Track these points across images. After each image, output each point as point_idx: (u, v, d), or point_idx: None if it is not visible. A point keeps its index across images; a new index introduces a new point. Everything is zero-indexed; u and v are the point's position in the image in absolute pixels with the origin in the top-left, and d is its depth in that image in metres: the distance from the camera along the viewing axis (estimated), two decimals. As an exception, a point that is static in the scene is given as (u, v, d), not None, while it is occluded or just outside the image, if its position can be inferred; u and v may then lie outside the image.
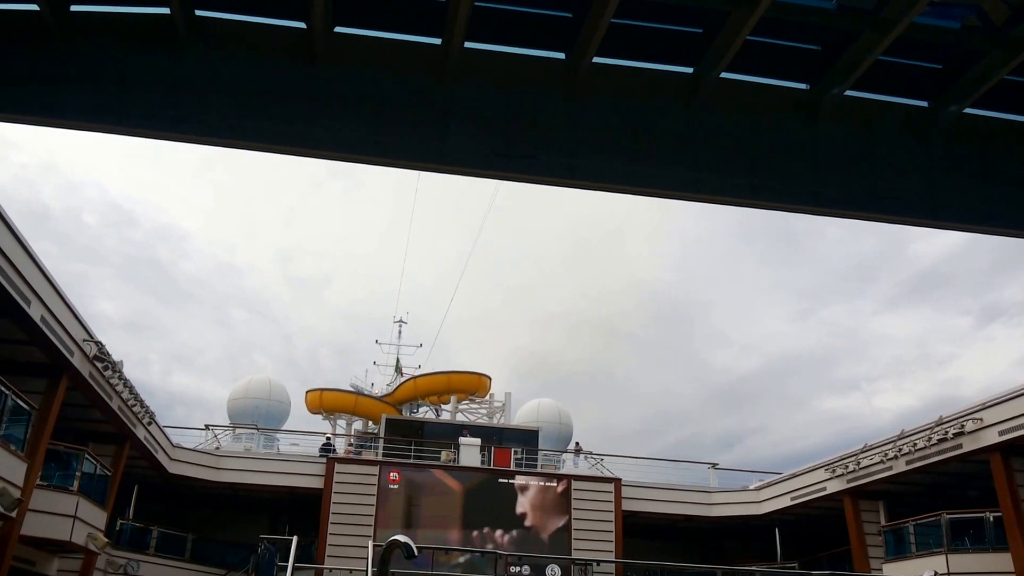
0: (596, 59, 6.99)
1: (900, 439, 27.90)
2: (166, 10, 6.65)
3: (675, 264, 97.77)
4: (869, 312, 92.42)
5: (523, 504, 33.71)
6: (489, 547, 32.28)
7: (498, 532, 33.16)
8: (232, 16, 6.88)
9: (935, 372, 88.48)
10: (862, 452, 29.89)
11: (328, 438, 36.17)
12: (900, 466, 27.99)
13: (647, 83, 7.25)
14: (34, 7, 6.53)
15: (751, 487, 36.81)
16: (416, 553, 9.12)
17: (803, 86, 7.39)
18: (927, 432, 26.56)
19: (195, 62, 6.84)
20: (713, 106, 7.26)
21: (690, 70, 7.22)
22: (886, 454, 28.43)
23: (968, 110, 7.37)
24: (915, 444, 27.02)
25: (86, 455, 24.55)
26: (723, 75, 7.09)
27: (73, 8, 6.72)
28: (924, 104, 7.50)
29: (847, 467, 30.49)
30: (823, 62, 7.15)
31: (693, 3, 6.77)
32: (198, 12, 6.79)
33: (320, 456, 34.12)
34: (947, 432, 25.59)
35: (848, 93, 7.21)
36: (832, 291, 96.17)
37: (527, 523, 33.50)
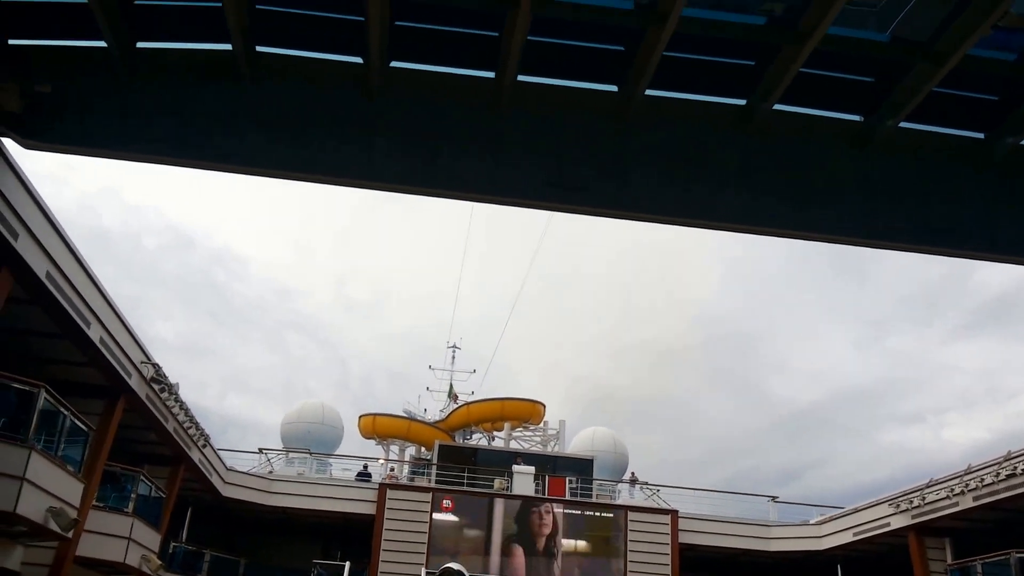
0: (648, 91, 7.03)
1: (967, 474, 27.05)
2: (228, 46, 6.87)
3: (734, 288, 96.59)
4: (936, 341, 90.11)
5: (578, 534, 33.43)
6: (541, 577, 32.01)
7: (551, 562, 32.89)
8: (291, 52, 7.08)
9: (1005, 405, 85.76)
10: (927, 487, 29.04)
11: (365, 465, 36.28)
12: (967, 502, 27.15)
13: (699, 115, 7.27)
14: (102, 43, 6.80)
15: (812, 522, 35.93)
16: (469, 581, 9.06)
17: (856, 117, 7.34)
18: (995, 467, 25.74)
19: (255, 96, 7.06)
20: (765, 137, 7.24)
21: (742, 102, 7.22)
22: (952, 489, 27.57)
23: (1027, 142, 7.24)
24: (982, 479, 26.19)
25: (141, 477, 24.94)
26: (776, 106, 7.07)
27: (139, 44, 6.98)
28: (979, 136, 7.38)
29: (912, 502, 29.65)
30: (876, 94, 7.10)
31: (745, 37, 6.80)
32: (259, 48, 7.00)
33: (357, 481, 34.28)
34: (1016, 467, 24.76)
35: (902, 125, 7.14)
36: (897, 319, 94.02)
37: (582, 553, 33.20)
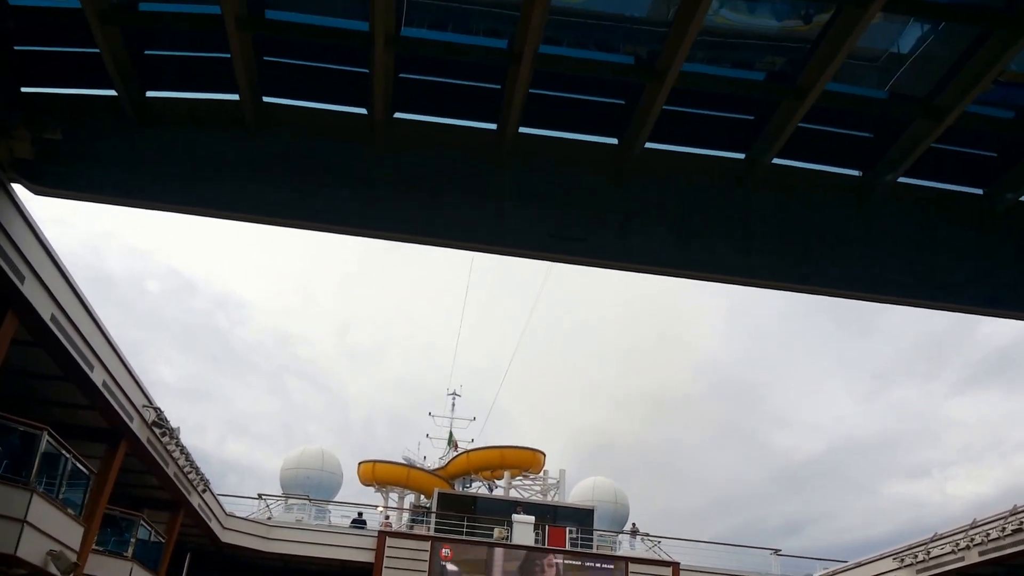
0: (648, 144, 7.12)
1: (972, 528, 26.77)
2: (235, 96, 6.98)
3: (736, 339, 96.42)
4: (939, 395, 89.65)
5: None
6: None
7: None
8: (297, 103, 7.20)
9: (1010, 458, 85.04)
10: (932, 541, 28.73)
11: (360, 513, 35.98)
12: (973, 557, 26.83)
13: (698, 168, 7.34)
14: (112, 92, 6.91)
15: (815, 575, 35.52)
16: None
17: (855, 172, 7.40)
18: (1000, 521, 25.48)
19: (261, 145, 7.16)
20: (765, 191, 7.31)
21: (742, 156, 7.29)
22: (957, 544, 27.27)
23: (1024, 198, 7.30)
24: (988, 534, 25.92)
25: (141, 521, 24.78)
26: (775, 160, 7.14)
27: (149, 94, 7.10)
28: (979, 191, 7.44)
29: (916, 556, 29.29)
30: (875, 149, 7.18)
31: (744, 92, 6.90)
32: (265, 98, 7.11)
33: (355, 528, 34.00)
34: (1022, 522, 24.56)
35: (901, 179, 7.20)
36: (900, 371, 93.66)
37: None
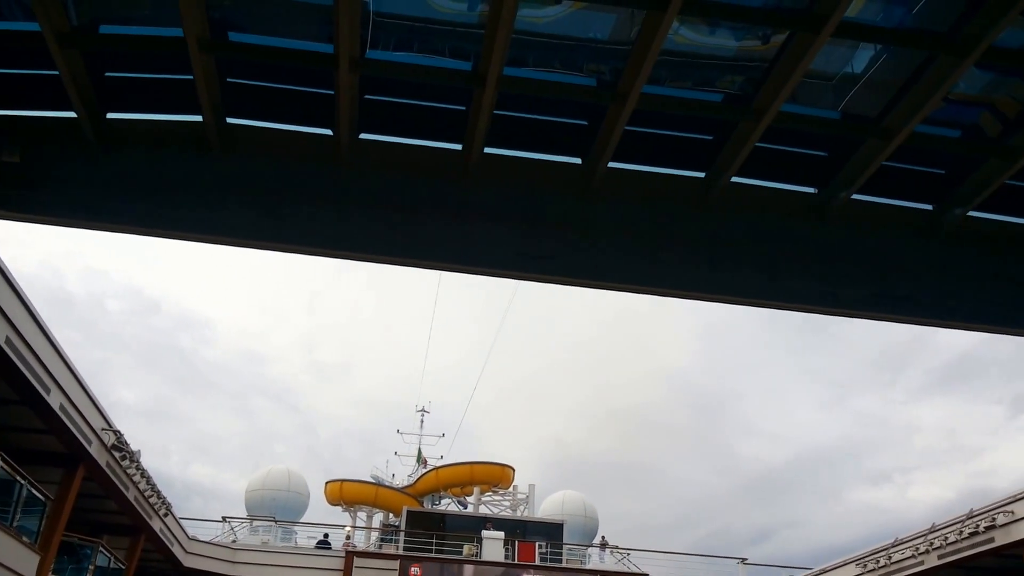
0: (611, 164, 7.23)
1: (931, 533, 27.42)
2: (199, 118, 6.98)
3: (702, 352, 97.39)
4: (900, 401, 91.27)
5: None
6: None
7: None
8: (261, 124, 7.22)
9: (969, 463, 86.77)
10: (893, 546, 29.33)
11: (325, 534, 35.74)
12: (932, 560, 27.43)
13: (661, 187, 7.47)
14: (72, 115, 6.89)
15: (781, 583, 35.88)
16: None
17: (811, 190, 7.58)
18: (958, 525, 26.11)
19: (226, 167, 7.16)
20: (726, 209, 7.45)
21: (702, 175, 7.44)
22: (917, 548, 27.91)
23: (972, 213, 7.51)
24: (946, 538, 26.56)
25: (100, 547, 24.39)
26: (734, 179, 7.30)
27: (109, 116, 7.08)
28: (929, 207, 7.66)
29: (878, 562, 29.89)
30: (829, 167, 7.36)
31: (703, 114, 7.05)
32: (229, 119, 7.13)
33: (321, 550, 33.83)
34: (978, 526, 25.18)
35: (855, 196, 7.39)
36: (862, 380, 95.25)
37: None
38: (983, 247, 7.68)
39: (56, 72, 6.48)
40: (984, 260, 7.63)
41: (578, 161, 7.35)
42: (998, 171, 7.11)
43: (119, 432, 22.59)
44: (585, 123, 7.19)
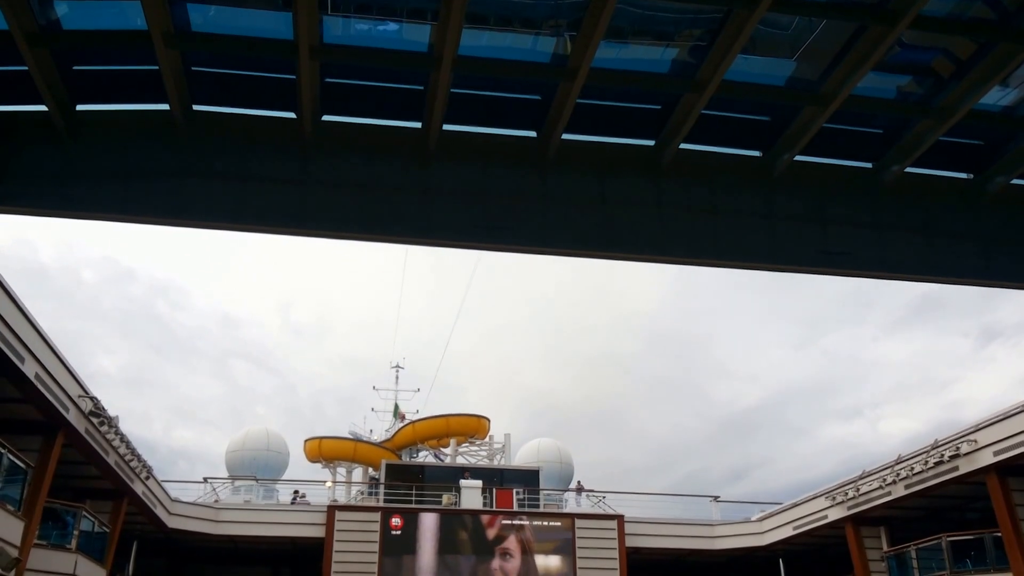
0: (565, 136, 7.55)
1: (897, 464, 27.95)
2: (165, 106, 7.20)
3: (672, 297, 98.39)
4: (869, 338, 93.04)
5: (527, 544, 33.87)
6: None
7: (503, 573, 33.27)
8: (226, 109, 7.45)
9: (938, 395, 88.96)
10: (861, 479, 29.98)
11: (296, 491, 36.31)
12: (899, 491, 28.02)
13: (613, 156, 7.81)
14: (43, 108, 7.08)
15: (753, 518, 36.94)
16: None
17: (757, 153, 7.95)
18: (923, 456, 26.58)
19: (193, 152, 7.40)
20: (676, 174, 7.81)
21: (652, 143, 7.78)
22: (884, 479, 28.45)
23: (909, 169, 7.93)
24: (912, 468, 27.05)
25: (83, 512, 24.70)
26: (683, 146, 7.65)
27: (79, 107, 7.28)
28: (868, 165, 8.06)
29: (847, 494, 30.58)
30: (773, 131, 7.73)
31: (650, 87, 7.38)
32: (195, 107, 7.35)
33: (304, 505, 34.45)
34: (943, 455, 25.62)
35: (798, 158, 7.77)
36: (831, 318, 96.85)
37: (532, 562, 33.63)
38: (919, 201, 8.13)
39: (24, 67, 6.66)
40: (919, 214, 8.09)
41: (533, 135, 7.66)
42: (931, 129, 7.52)
43: (96, 398, 22.73)
44: (538, 98, 7.49)
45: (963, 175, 8.30)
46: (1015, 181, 8.13)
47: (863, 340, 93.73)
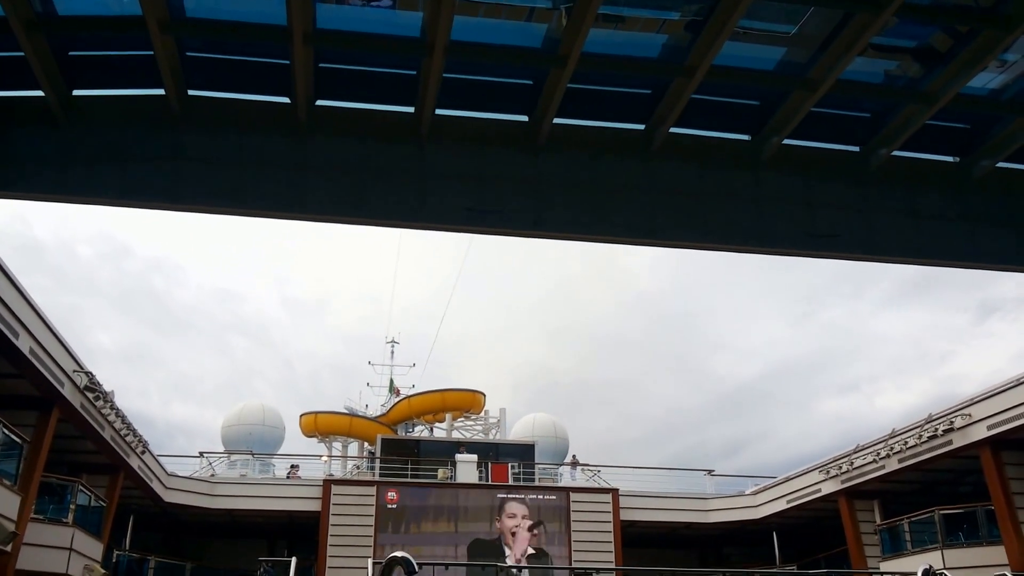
0: (556, 120, 7.64)
1: (891, 438, 28.18)
2: (161, 91, 7.28)
3: (671, 272, 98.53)
4: (867, 313, 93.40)
5: (522, 518, 34.24)
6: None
7: (498, 547, 33.65)
8: (221, 94, 7.52)
9: (935, 369, 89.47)
10: (855, 452, 30.25)
11: (292, 466, 36.63)
12: (893, 465, 28.26)
13: (604, 140, 7.91)
14: (39, 93, 7.15)
15: (748, 492, 37.33)
16: (417, 568, 9.36)
17: (745, 137, 8.06)
18: (917, 430, 26.79)
19: (189, 137, 7.48)
20: (665, 158, 7.92)
21: (642, 127, 7.88)
22: (878, 453, 28.72)
23: (896, 152, 8.04)
24: (906, 442, 27.30)
25: (80, 487, 24.91)
26: (672, 130, 7.75)
27: (76, 92, 7.35)
28: (855, 149, 8.17)
29: (841, 468, 30.87)
30: (762, 115, 7.83)
31: (640, 72, 7.46)
32: (191, 92, 7.42)
33: (296, 480, 34.80)
34: (937, 429, 25.85)
35: (786, 142, 7.88)
36: (829, 293, 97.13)
37: (526, 536, 34.02)
38: (906, 184, 8.25)
39: (21, 54, 6.72)
40: (905, 196, 8.21)
41: (525, 119, 7.75)
42: (918, 113, 7.62)
43: (91, 373, 22.85)
44: (530, 83, 7.57)
45: (949, 158, 8.41)
46: (1001, 164, 8.26)
47: (861, 315, 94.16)
